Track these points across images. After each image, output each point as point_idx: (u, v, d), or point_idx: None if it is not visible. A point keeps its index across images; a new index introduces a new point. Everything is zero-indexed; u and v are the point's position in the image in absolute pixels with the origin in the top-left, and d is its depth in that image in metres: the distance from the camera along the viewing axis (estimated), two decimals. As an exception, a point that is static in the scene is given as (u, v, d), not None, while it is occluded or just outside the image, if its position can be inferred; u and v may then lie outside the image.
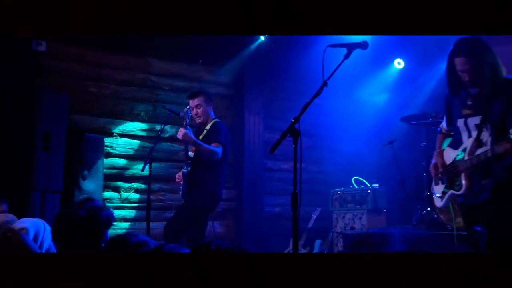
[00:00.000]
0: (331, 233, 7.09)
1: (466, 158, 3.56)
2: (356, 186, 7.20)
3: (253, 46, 7.40)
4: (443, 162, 3.87)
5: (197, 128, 5.44)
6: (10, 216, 3.64)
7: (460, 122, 3.65)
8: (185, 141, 5.13)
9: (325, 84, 3.66)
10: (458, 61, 3.48)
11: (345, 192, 7.16)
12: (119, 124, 6.57)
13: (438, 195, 3.96)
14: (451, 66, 3.58)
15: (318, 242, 7.15)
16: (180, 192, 5.22)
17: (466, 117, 3.60)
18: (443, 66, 7.28)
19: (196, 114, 5.23)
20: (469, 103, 3.60)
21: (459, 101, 3.69)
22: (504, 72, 3.48)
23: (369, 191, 6.90)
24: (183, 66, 7.08)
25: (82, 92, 6.32)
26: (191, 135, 5.04)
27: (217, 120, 5.32)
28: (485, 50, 3.40)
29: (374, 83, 7.91)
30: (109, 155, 6.41)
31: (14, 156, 5.25)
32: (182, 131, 4.99)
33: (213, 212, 5.79)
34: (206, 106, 5.26)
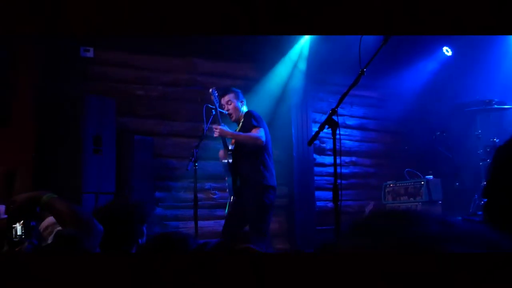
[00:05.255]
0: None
1: None
2: (408, 178, 7.02)
3: (300, 43, 7.34)
4: None
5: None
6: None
7: None
8: (222, 136, 5.07)
9: (362, 72, 3.59)
10: None
11: (398, 184, 6.99)
12: (167, 124, 6.67)
13: None
14: None
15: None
16: (227, 190, 5.16)
17: None
18: (492, 50, 7.06)
19: (228, 110, 5.20)
20: None
21: None
22: None
23: (422, 182, 6.70)
24: (228, 65, 7.11)
25: (130, 95, 6.46)
26: (227, 129, 5.00)
27: (248, 110, 5.25)
28: None
29: (424, 71, 7.70)
30: (159, 156, 6.51)
31: (66, 161, 5.44)
32: (217, 128, 4.94)
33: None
34: (237, 102, 5.21)
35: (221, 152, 5.21)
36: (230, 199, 5.15)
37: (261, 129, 4.97)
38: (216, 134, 4.97)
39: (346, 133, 7.75)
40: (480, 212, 5.87)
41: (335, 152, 3.42)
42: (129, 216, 2.50)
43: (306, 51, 7.40)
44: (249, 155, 5.01)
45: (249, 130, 4.99)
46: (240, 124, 5.17)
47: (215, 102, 5.06)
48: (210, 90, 5.09)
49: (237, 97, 5.23)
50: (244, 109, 5.26)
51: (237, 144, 5.05)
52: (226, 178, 5.16)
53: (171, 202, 6.64)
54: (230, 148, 5.08)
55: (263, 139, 4.95)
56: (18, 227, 2.04)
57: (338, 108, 3.53)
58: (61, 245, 1.94)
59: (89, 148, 5.46)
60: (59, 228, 2.27)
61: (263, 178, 4.98)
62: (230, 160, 5.05)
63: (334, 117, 3.43)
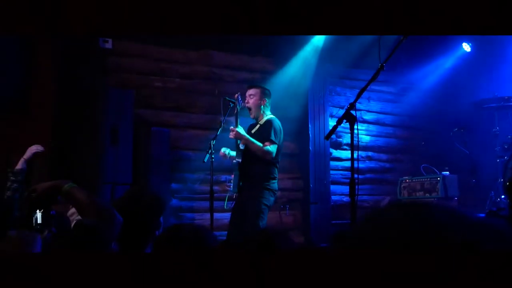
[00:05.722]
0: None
1: None
2: (425, 174, 6.98)
3: (317, 38, 7.31)
4: None
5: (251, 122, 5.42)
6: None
7: None
8: (237, 139, 5.12)
9: (382, 67, 3.59)
10: None
11: (414, 180, 6.96)
12: (184, 116, 6.70)
13: None
14: None
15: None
16: (231, 186, 5.23)
17: None
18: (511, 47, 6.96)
19: (248, 103, 5.23)
20: None
21: None
22: None
23: (438, 178, 6.66)
24: (245, 58, 7.11)
25: (147, 87, 6.48)
26: (243, 133, 5.04)
27: (272, 117, 5.27)
28: None
29: (442, 67, 7.64)
30: (175, 147, 6.54)
31: (84, 151, 5.48)
32: (233, 130, 5.01)
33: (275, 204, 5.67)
34: (259, 100, 5.22)
35: (221, 153, 5.27)
36: (233, 196, 5.24)
37: (275, 146, 5.06)
38: (231, 136, 5.07)
39: (363, 127, 7.72)
40: (500, 208, 5.84)
41: (352, 146, 3.43)
42: (148, 208, 2.51)
43: (323, 45, 7.35)
44: (258, 159, 5.09)
45: (265, 139, 5.06)
46: (258, 126, 5.22)
47: (238, 107, 5.10)
48: (236, 95, 5.13)
49: (260, 95, 5.24)
50: (267, 111, 5.28)
51: (248, 146, 5.10)
52: (233, 174, 5.20)
53: (187, 194, 6.67)
54: (240, 148, 5.14)
55: (273, 155, 5.06)
56: (38, 215, 2.06)
57: (356, 103, 3.53)
58: (80, 235, 1.96)
59: (107, 139, 5.50)
60: (79, 217, 2.29)
61: (268, 182, 5.09)
62: (240, 160, 5.11)
63: (352, 112, 3.43)
